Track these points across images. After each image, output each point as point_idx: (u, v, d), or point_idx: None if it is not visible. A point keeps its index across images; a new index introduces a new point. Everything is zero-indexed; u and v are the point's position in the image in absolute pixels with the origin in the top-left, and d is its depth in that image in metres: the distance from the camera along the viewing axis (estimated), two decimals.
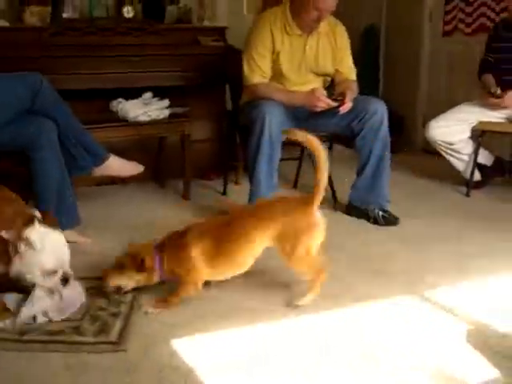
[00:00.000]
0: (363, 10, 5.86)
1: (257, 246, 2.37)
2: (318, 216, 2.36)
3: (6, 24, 4.17)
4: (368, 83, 5.19)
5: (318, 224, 2.35)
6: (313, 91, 3.31)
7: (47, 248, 2.24)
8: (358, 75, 3.71)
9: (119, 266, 2.41)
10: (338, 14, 3.50)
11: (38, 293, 2.25)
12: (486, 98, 4.00)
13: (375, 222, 3.46)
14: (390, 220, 3.44)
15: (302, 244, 2.32)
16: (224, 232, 2.39)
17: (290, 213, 2.35)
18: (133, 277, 2.40)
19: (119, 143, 3.74)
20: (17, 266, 2.24)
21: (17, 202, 2.45)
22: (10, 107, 2.94)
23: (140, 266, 2.36)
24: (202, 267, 2.37)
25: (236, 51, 4.04)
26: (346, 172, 3.78)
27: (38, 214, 2.41)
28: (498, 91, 3.93)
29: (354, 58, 3.71)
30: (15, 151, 3.01)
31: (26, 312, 2.21)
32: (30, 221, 2.25)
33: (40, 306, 2.24)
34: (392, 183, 3.62)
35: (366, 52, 5.75)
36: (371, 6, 5.90)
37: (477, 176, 4.21)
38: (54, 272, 2.26)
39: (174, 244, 2.42)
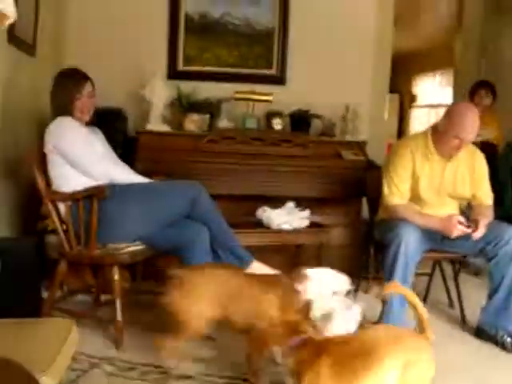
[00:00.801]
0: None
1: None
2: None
3: (168, 129, 4.65)
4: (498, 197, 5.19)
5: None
6: (450, 218, 3.43)
7: None
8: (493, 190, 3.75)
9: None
10: None
11: None
12: None
13: (503, 347, 3.44)
14: None
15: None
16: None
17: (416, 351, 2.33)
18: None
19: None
20: None
21: None
22: (171, 214, 3.30)
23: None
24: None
25: (375, 167, 4.24)
26: (475, 287, 3.82)
27: None
28: None
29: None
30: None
31: None
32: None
33: None
34: None
35: (502, 169, 5.72)
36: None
37: None
38: None
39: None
